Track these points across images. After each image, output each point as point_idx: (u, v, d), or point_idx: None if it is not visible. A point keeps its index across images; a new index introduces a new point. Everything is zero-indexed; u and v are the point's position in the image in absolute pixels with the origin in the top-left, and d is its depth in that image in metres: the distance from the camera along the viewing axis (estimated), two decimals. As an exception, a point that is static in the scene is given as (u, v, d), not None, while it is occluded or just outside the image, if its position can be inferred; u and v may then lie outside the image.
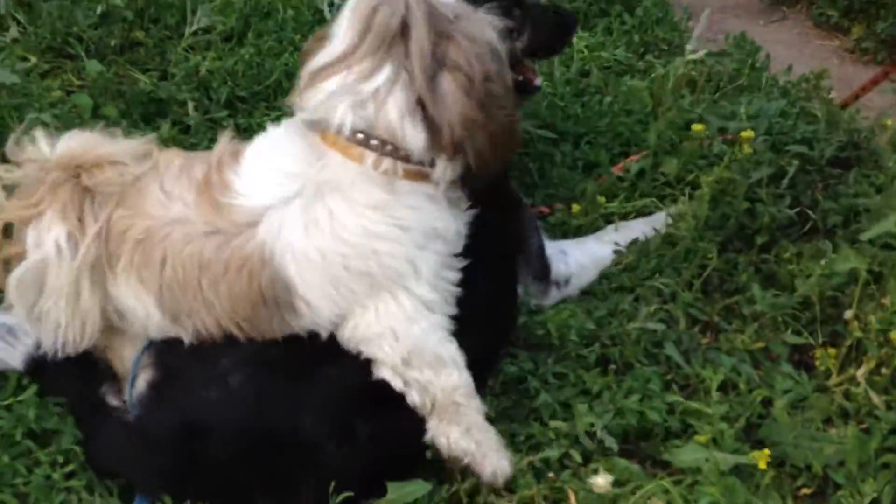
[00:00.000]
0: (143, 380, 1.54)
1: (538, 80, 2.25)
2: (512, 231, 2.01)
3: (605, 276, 2.13)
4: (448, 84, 1.42)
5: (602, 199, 2.31)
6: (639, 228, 2.21)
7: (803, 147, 2.30)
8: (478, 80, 1.42)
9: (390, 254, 1.46)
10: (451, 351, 1.54)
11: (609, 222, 2.27)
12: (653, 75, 2.96)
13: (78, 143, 1.60)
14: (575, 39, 3.17)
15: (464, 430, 1.54)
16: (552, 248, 2.15)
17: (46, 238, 1.52)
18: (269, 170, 1.51)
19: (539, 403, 1.73)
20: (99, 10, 2.72)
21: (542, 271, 2.08)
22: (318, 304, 1.48)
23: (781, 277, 2.03)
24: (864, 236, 1.68)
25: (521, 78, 2.22)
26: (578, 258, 2.15)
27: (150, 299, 1.53)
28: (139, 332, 1.58)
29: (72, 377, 1.59)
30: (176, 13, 2.85)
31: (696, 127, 2.22)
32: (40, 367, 1.61)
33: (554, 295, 2.10)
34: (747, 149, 2.11)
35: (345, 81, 1.45)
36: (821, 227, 2.20)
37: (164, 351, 1.54)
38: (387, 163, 1.45)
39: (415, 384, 1.52)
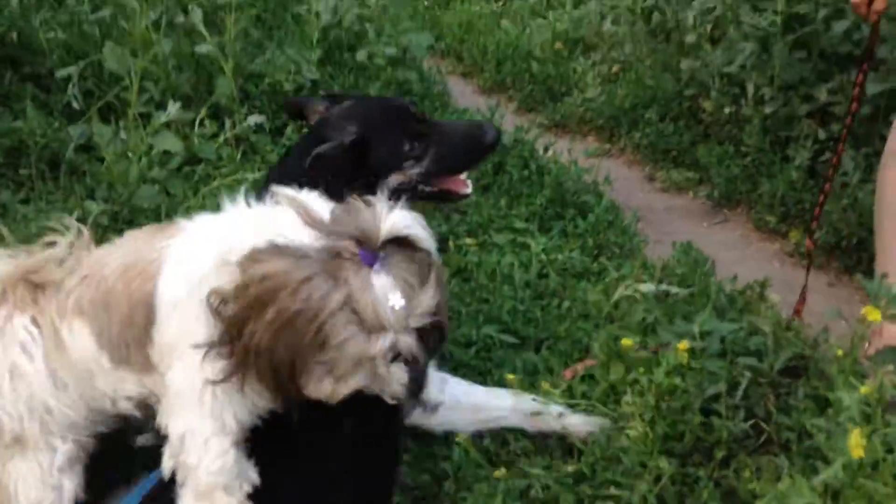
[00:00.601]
0: None
1: (466, 188, 2.31)
2: None
3: (562, 482, 2.13)
4: None
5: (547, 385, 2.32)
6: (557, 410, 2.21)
7: (753, 359, 2.39)
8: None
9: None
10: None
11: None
12: (606, 279, 3.11)
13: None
14: (533, 242, 3.34)
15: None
16: (436, 374, 2.14)
17: (10, 330, 1.71)
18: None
19: None
20: (75, 216, 2.79)
21: (415, 390, 2.09)
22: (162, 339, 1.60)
23: (742, 494, 2.06)
24: (815, 480, 1.73)
25: (442, 189, 2.28)
26: (457, 393, 2.15)
27: (90, 333, 1.69)
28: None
29: None
30: (150, 215, 2.95)
31: (626, 341, 2.29)
32: None
33: (417, 415, 2.09)
34: (684, 358, 2.18)
35: None
36: (776, 440, 2.26)
37: None
38: None
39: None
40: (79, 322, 1.70)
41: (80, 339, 1.71)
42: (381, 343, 1.43)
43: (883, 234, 2.76)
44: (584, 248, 3.38)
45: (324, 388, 1.49)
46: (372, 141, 2.11)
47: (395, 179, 2.19)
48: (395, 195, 2.12)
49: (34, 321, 1.73)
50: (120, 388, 1.73)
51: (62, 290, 1.74)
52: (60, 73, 3.52)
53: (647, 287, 2.57)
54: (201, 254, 1.55)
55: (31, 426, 1.73)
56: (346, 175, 2.02)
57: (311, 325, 1.38)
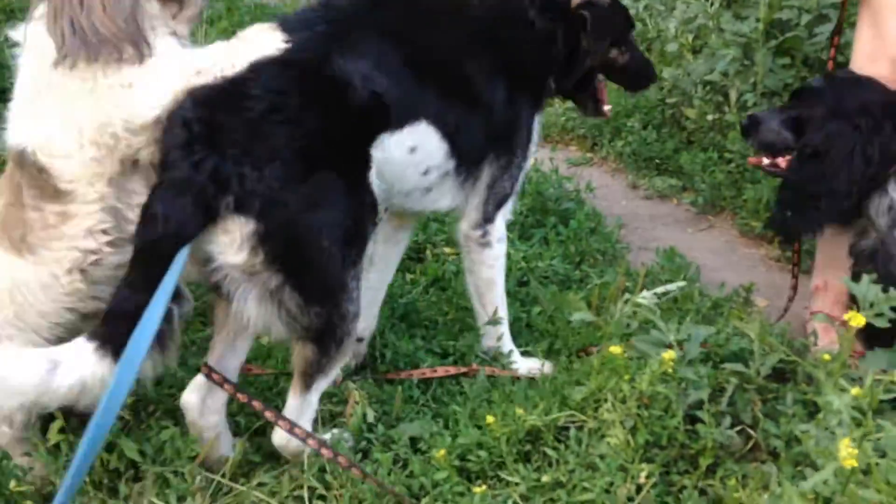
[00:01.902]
0: None
1: (607, 108, 2.64)
2: None
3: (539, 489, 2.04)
4: None
5: (520, 411, 2.23)
6: None
7: (739, 364, 2.31)
8: None
9: None
10: None
11: (528, 434, 2.19)
12: (589, 286, 3.03)
13: None
14: (513, 250, 3.26)
15: None
16: None
17: None
18: None
19: None
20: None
21: None
22: None
23: (728, 502, 1.97)
24: (804, 486, 1.65)
25: (599, 95, 2.60)
26: None
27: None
28: None
29: None
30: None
31: (615, 349, 2.21)
32: None
33: None
34: (668, 367, 2.09)
35: None
36: (763, 447, 2.18)
37: None
38: None
39: None
40: None
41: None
42: None
43: None
44: (565, 255, 3.31)
45: None
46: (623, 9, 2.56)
47: (611, 51, 2.52)
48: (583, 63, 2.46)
49: None
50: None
51: None
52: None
53: (647, 297, 2.45)
54: None
55: None
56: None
57: None
